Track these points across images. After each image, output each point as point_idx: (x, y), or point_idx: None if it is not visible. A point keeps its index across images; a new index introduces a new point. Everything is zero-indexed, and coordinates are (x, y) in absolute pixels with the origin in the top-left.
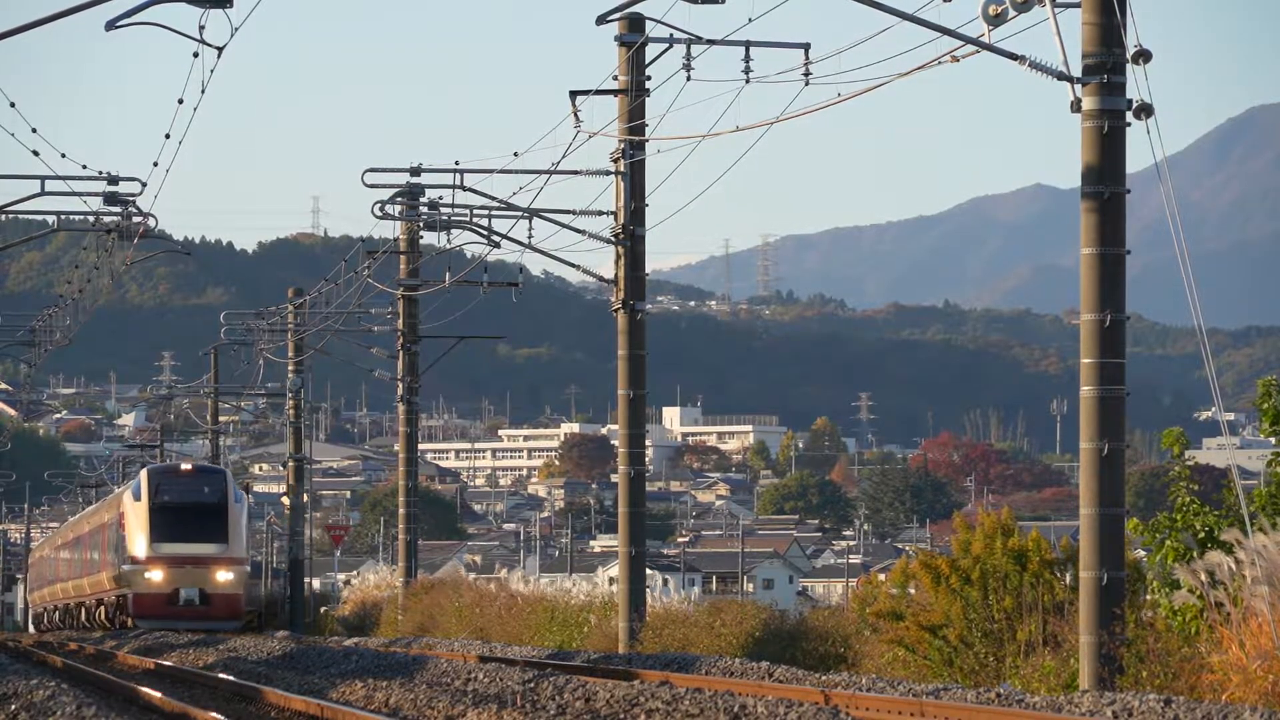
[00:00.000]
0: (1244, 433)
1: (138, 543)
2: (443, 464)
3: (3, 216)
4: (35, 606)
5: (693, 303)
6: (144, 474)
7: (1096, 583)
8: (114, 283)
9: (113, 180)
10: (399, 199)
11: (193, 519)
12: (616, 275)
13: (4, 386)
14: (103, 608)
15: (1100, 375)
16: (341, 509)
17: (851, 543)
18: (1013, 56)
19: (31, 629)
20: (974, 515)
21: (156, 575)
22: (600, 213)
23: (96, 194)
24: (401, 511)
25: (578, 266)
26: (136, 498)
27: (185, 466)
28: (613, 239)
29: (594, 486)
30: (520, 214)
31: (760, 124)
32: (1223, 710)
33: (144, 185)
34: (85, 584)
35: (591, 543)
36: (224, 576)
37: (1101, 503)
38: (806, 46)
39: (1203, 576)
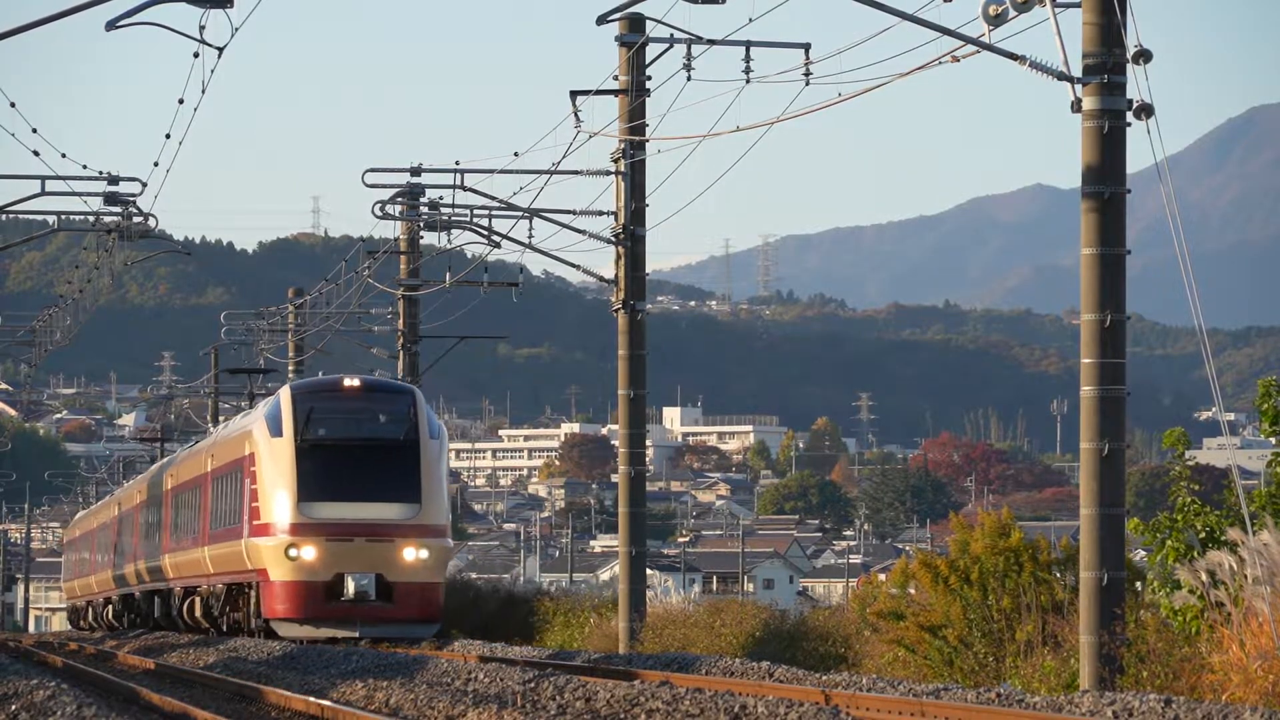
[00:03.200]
0: (1244, 433)
1: (277, 503)
2: None
3: (3, 216)
4: (75, 599)
5: (693, 303)
6: (285, 394)
7: (1097, 583)
8: (114, 283)
9: (113, 180)
10: (399, 199)
11: (366, 465)
12: (617, 275)
13: (4, 386)
14: (199, 600)
15: (1100, 375)
16: None
17: (852, 543)
18: (1013, 56)
19: (25, 629)
20: (974, 515)
21: (308, 553)
22: (600, 213)
23: (97, 194)
24: None
25: (578, 266)
26: (275, 431)
27: (351, 382)
28: (613, 239)
29: (594, 486)
30: (520, 214)
31: (760, 124)
32: (1223, 710)
33: (144, 185)
34: (171, 565)
35: (592, 543)
36: (415, 555)
37: (1102, 503)
38: (807, 46)
39: (1203, 576)
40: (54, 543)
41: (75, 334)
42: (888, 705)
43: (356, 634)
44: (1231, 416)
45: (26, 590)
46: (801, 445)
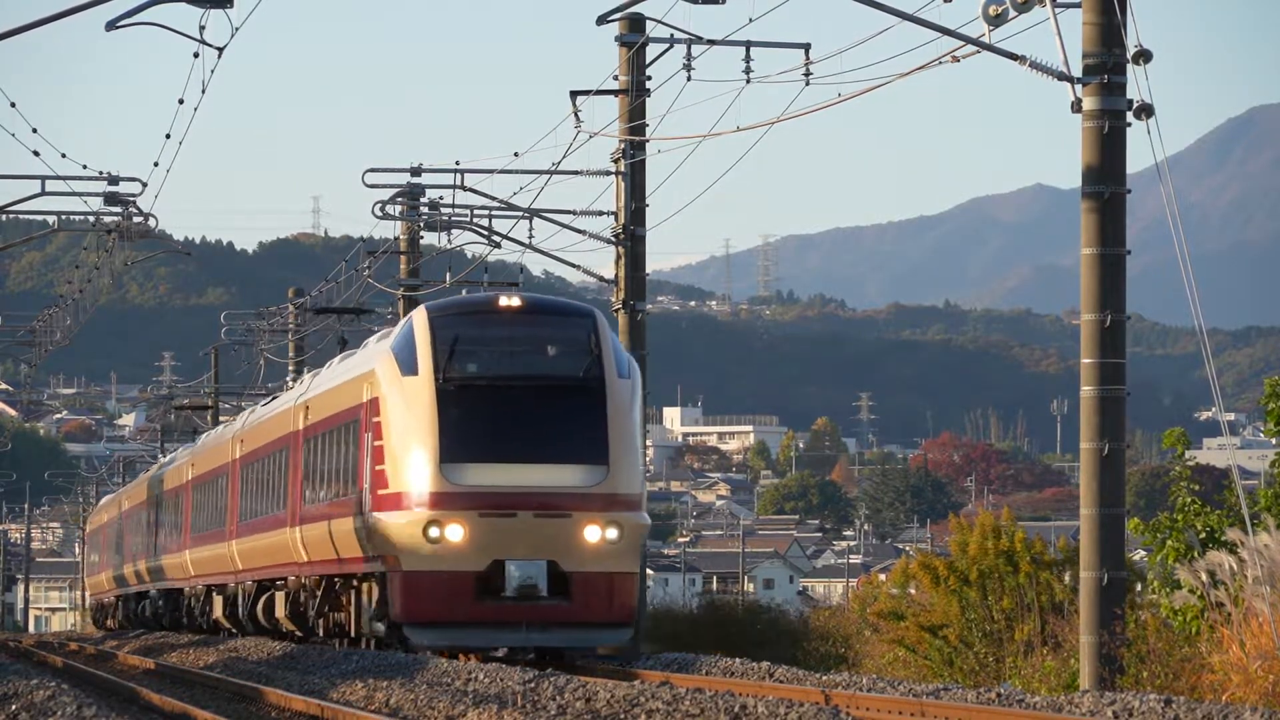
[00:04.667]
0: (1245, 433)
1: (412, 465)
2: None
3: (3, 216)
4: (100, 594)
5: (693, 303)
6: (421, 317)
7: (1096, 583)
8: (114, 283)
9: (113, 180)
10: (399, 199)
11: (534, 414)
12: (617, 275)
13: (4, 386)
14: (284, 597)
15: (1100, 375)
16: None
17: (852, 543)
18: (1013, 56)
19: (45, 628)
20: (974, 516)
21: (455, 533)
22: (600, 213)
23: (97, 194)
24: None
25: (578, 266)
26: (408, 367)
27: (509, 300)
28: (613, 239)
29: None
30: (520, 214)
31: (760, 124)
32: (1223, 710)
33: (144, 185)
34: (239, 553)
35: None
36: (600, 535)
37: (1101, 503)
38: (807, 46)
39: (1203, 576)
40: (54, 543)
41: (75, 334)
42: (888, 705)
43: (521, 643)
44: (1231, 416)
45: (26, 590)
46: (801, 445)
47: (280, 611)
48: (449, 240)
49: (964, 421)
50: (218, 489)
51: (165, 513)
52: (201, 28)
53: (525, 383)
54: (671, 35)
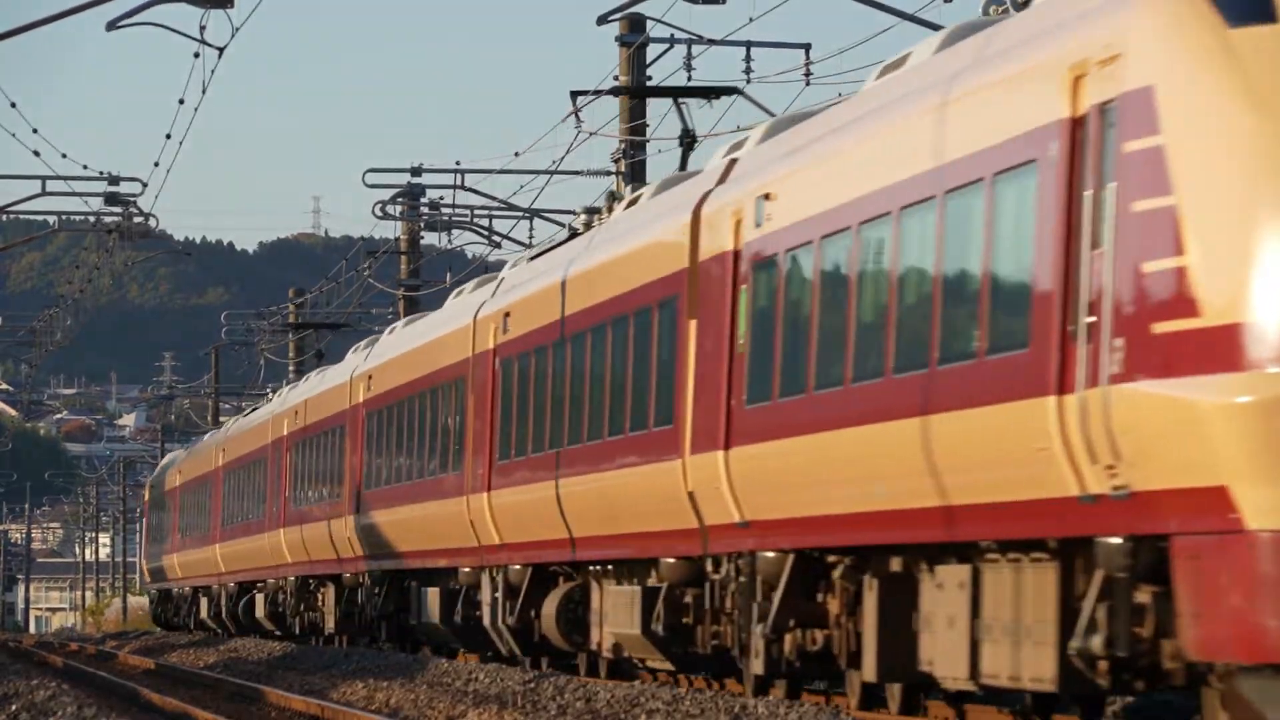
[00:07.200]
0: None
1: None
2: None
3: (3, 216)
4: (171, 582)
5: None
6: None
7: None
8: (114, 283)
9: (113, 180)
10: (399, 199)
11: None
12: None
13: (4, 386)
14: (630, 595)
15: None
16: None
17: None
18: None
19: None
20: None
21: None
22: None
23: (97, 194)
24: None
25: None
26: (1239, 8)
27: None
28: None
29: None
30: (520, 214)
31: (760, 124)
32: None
33: (145, 185)
34: (498, 507)
35: None
36: None
37: None
38: (807, 47)
39: None
40: (54, 543)
41: (75, 334)
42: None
43: None
44: None
45: (27, 590)
46: None
47: (600, 633)
48: (449, 240)
49: None
50: (442, 401)
51: (308, 458)
52: (201, 28)
53: None
54: (671, 35)
